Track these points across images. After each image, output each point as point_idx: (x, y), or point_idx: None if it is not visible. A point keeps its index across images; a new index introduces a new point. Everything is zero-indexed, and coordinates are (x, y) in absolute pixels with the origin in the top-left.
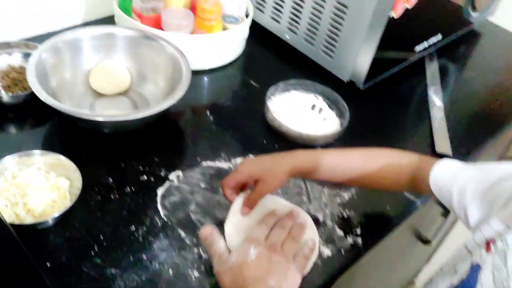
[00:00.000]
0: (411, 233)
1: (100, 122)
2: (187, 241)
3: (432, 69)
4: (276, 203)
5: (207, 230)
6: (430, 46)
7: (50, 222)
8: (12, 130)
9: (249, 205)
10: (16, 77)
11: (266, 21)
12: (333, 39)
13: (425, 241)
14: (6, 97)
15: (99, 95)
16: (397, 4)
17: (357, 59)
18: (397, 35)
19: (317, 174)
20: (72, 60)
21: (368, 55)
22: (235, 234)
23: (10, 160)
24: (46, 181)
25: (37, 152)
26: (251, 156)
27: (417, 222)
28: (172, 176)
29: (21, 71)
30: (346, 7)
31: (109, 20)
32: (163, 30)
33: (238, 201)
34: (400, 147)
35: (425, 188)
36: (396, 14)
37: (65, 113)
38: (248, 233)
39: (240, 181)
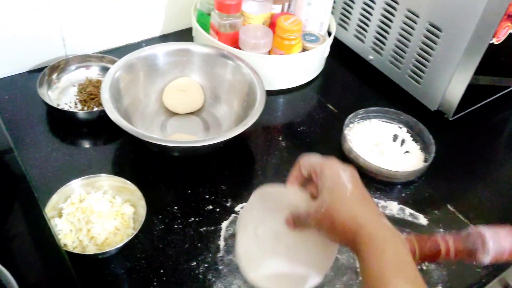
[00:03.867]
0: (497, 282)
1: (169, 146)
2: (249, 284)
3: None
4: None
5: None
6: None
7: (113, 252)
8: (85, 145)
9: None
10: (93, 92)
11: (349, 39)
12: (422, 64)
13: None
14: (81, 113)
15: (171, 113)
16: (500, 30)
17: (449, 86)
18: (497, 61)
19: None
20: (147, 76)
21: (462, 83)
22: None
23: (78, 183)
24: (111, 207)
25: (104, 176)
26: None
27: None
28: (238, 208)
29: (98, 85)
30: (440, 30)
31: (187, 32)
32: (240, 48)
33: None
34: (491, 186)
35: None
36: (498, 40)
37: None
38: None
39: None
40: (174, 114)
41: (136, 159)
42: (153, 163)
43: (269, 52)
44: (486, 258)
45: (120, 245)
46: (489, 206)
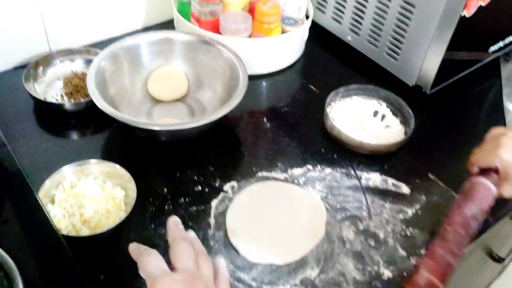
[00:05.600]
0: (483, 252)
1: (156, 130)
2: (240, 257)
3: (508, 70)
4: (292, 190)
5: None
6: (506, 46)
7: (106, 234)
8: (74, 136)
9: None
10: (78, 84)
11: (326, 22)
12: (398, 40)
13: (498, 260)
14: (68, 105)
15: (156, 101)
16: (470, 2)
17: (425, 61)
18: (469, 35)
19: None
20: (131, 66)
21: (437, 57)
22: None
23: (69, 169)
24: (102, 191)
25: (94, 161)
26: (309, 166)
27: (489, 240)
28: (227, 187)
29: (83, 77)
30: (413, 6)
31: (169, 24)
32: (221, 34)
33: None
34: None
35: None
36: (468, 12)
37: (122, 122)
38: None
39: (491, 167)
40: (159, 101)
41: (124, 146)
42: (141, 149)
43: (250, 37)
44: None
45: (112, 226)
46: (468, 173)
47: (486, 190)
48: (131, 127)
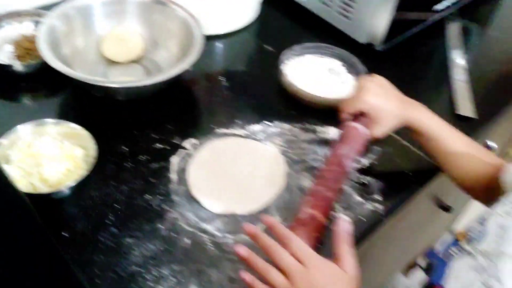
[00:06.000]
0: (432, 201)
1: (113, 89)
2: (204, 210)
3: (453, 29)
4: (251, 145)
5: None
6: (451, 6)
7: (66, 191)
8: (25, 100)
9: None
10: (29, 47)
11: None
12: None
13: (446, 209)
14: (18, 66)
15: (112, 63)
16: None
17: (375, 19)
18: None
19: (419, 137)
20: (84, 27)
21: (386, 15)
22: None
23: (24, 129)
24: (60, 151)
25: (50, 121)
26: (267, 122)
27: (437, 189)
28: (187, 144)
29: (34, 40)
30: None
31: None
32: None
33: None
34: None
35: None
36: None
37: (78, 81)
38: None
39: (360, 111)
40: (115, 63)
41: (81, 107)
42: (98, 109)
43: None
44: None
45: (72, 183)
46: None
47: (355, 132)
48: (88, 86)
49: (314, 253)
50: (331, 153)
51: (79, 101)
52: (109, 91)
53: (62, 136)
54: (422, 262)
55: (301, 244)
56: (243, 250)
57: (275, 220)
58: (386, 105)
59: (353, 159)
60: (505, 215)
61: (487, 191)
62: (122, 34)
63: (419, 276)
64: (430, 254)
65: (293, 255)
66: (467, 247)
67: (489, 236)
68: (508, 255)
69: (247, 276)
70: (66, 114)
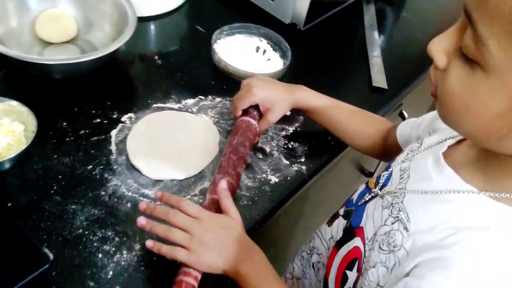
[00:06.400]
0: (355, 167)
1: (49, 67)
2: (143, 177)
3: (369, 11)
4: (186, 117)
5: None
6: None
7: (7, 165)
8: None
9: (260, 133)
10: None
11: None
12: None
13: (368, 174)
14: None
15: (47, 44)
16: None
17: (297, 1)
18: None
19: (310, 114)
20: (17, 8)
21: None
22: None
23: None
24: (0, 127)
25: None
26: (200, 97)
27: (360, 157)
28: (125, 117)
29: None
30: None
31: None
32: None
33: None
34: (340, 83)
35: (391, 141)
36: None
37: (14, 60)
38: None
39: (252, 104)
40: (49, 44)
41: (18, 87)
42: (36, 89)
43: None
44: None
45: (12, 155)
46: (341, 94)
47: (246, 124)
48: (24, 65)
49: (204, 209)
50: (227, 145)
51: (16, 82)
52: (46, 70)
53: (1, 113)
54: (342, 211)
55: (191, 204)
56: (143, 220)
57: (163, 192)
58: (272, 94)
59: (247, 146)
60: (405, 160)
61: (387, 150)
62: (56, 15)
63: (340, 223)
64: (348, 203)
65: (187, 214)
66: (377, 191)
67: (394, 179)
68: (407, 190)
69: (150, 243)
70: (4, 92)
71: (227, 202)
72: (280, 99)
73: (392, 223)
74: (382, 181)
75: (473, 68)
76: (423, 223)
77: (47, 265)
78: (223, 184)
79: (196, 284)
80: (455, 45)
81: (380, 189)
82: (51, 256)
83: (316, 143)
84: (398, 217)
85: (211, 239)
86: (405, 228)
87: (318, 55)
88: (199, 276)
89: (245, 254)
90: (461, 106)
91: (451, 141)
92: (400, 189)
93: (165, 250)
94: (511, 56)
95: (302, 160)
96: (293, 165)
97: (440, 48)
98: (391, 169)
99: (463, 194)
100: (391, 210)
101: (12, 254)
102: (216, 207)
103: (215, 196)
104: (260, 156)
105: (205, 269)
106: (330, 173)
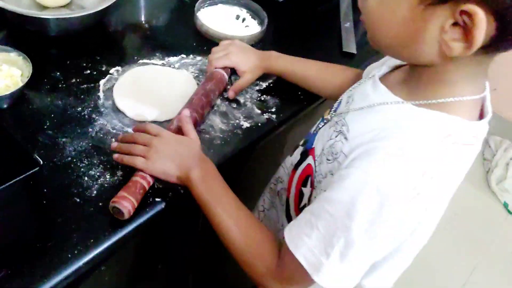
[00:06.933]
0: None
1: (44, 21)
2: (127, 118)
3: None
4: (169, 71)
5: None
6: None
7: (5, 104)
8: None
9: (236, 91)
10: None
11: None
12: None
13: None
14: None
15: (43, 8)
16: None
17: None
18: None
19: (282, 75)
20: None
21: None
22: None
23: None
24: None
25: None
26: (183, 55)
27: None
28: (112, 70)
29: None
30: None
31: None
32: None
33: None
34: (312, 50)
35: None
36: None
37: (13, 16)
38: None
39: (227, 66)
40: (46, 8)
41: (17, 41)
42: (32, 43)
43: None
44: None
45: (9, 92)
46: (313, 58)
47: (221, 76)
48: (23, 21)
49: (165, 129)
50: (201, 87)
51: (17, 36)
52: (41, 25)
53: (1, 61)
54: (301, 141)
55: (154, 125)
56: (114, 144)
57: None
58: (246, 61)
59: (216, 95)
60: (352, 89)
61: None
62: None
63: (298, 151)
64: (307, 134)
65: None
66: (327, 116)
67: (342, 105)
68: (350, 109)
69: (116, 155)
70: (4, 45)
71: (188, 127)
72: (253, 65)
73: (336, 136)
74: (333, 109)
75: None
76: (358, 130)
77: (37, 168)
78: (186, 112)
79: (147, 187)
80: None
81: (330, 114)
82: (40, 161)
83: (287, 97)
84: (341, 130)
85: (167, 149)
86: (345, 138)
87: (294, 25)
88: (151, 182)
89: (197, 162)
90: (377, 19)
91: (385, 69)
92: (344, 109)
93: (126, 159)
94: None
95: (273, 110)
96: (264, 114)
97: None
98: (341, 97)
99: (392, 104)
100: (336, 127)
101: (3, 158)
102: (178, 133)
103: (179, 124)
104: (234, 106)
105: (160, 175)
106: (307, 123)
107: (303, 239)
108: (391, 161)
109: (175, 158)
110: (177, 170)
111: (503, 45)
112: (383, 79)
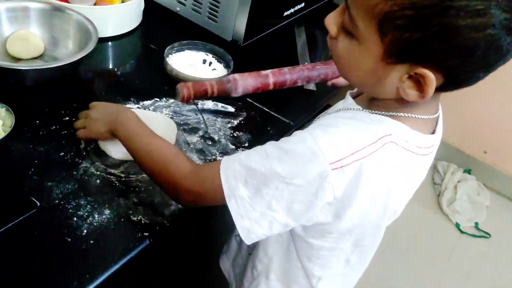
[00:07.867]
0: None
1: (20, 72)
2: (110, 158)
3: (299, 31)
4: (150, 115)
5: None
6: (296, 12)
7: None
8: None
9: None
10: None
11: None
12: (215, 6)
13: None
14: None
15: (17, 60)
16: None
17: (236, 22)
18: (266, 2)
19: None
20: None
21: (244, 20)
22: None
23: None
24: None
25: None
26: (156, 99)
27: None
28: None
29: None
30: None
31: None
32: (69, 2)
33: None
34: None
35: None
36: None
37: None
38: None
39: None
40: (19, 59)
41: None
42: (10, 94)
43: (95, 4)
44: (236, 94)
45: None
46: (275, 95)
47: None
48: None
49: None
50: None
51: None
52: (17, 76)
53: None
54: None
55: (94, 102)
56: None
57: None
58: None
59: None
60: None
61: None
62: (25, 35)
63: None
64: None
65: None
66: None
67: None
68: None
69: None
70: None
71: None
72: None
73: None
74: None
75: (351, 39)
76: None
77: (35, 210)
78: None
79: (209, 93)
80: (342, 20)
81: None
82: (37, 202)
83: (258, 132)
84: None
85: (97, 114)
86: None
87: (256, 66)
88: (215, 93)
89: (119, 113)
90: (346, 65)
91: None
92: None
93: (77, 133)
94: (371, 32)
95: (246, 145)
96: (238, 149)
97: (333, 21)
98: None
99: (353, 110)
100: None
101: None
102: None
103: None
104: (210, 143)
105: (97, 136)
106: None
107: (234, 163)
108: (333, 132)
109: (103, 118)
110: (105, 126)
111: (450, 89)
112: (355, 97)
